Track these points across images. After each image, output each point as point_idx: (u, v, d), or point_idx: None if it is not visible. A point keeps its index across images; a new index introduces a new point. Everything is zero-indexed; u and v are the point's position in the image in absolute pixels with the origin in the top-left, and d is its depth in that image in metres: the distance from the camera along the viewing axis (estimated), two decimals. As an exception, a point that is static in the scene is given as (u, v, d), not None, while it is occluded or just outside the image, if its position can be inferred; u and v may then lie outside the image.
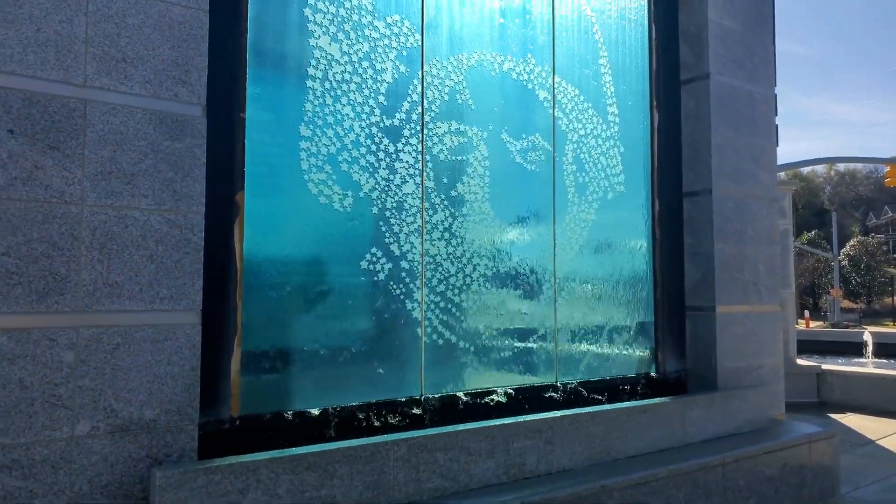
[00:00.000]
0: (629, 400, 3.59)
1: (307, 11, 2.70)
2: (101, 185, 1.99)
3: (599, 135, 3.74)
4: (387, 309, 2.85)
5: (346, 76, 2.79)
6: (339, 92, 2.76)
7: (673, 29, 4.13)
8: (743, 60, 4.21)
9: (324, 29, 2.74)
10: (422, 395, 2.91)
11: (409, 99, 2.98)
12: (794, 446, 3.60)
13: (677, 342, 3.98)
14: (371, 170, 2.84)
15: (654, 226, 3.97)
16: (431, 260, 3.00)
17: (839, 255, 35.14)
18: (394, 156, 2.91)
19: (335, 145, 2.74)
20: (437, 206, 3.04)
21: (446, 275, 3.05)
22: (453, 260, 3.07)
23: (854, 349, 12.66)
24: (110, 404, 1.97)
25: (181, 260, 2.12)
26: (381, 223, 2.85)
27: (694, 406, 3.46)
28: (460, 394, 3.03)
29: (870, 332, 13.60)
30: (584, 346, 3.57)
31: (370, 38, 2.87)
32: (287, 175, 2.61)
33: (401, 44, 2.97)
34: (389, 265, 2.86)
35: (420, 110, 3.01)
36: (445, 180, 3.08)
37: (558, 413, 2.90)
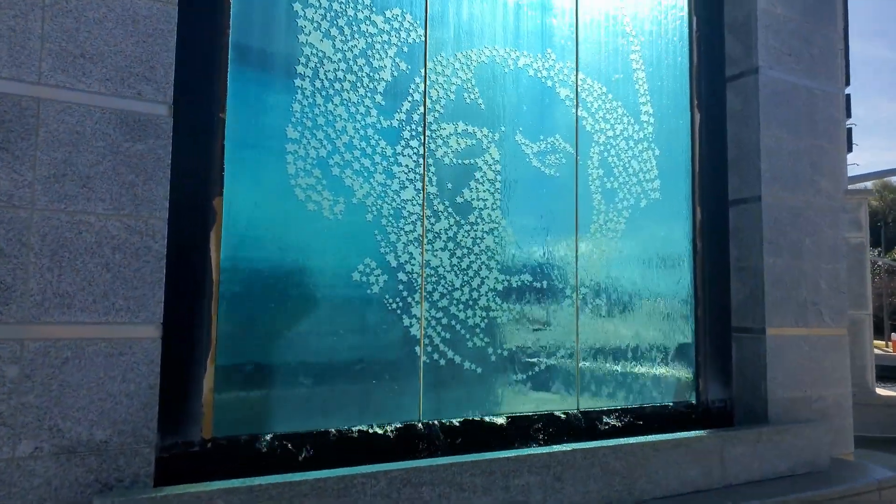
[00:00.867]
0: (665, 431, 3.22)
1: (297, 6, 2.54)
2: (54, 188, 1.88)
3: (631, 136, 3.42)
4: (381, 325, 2.64)
5: (340, 74, 2.61)
6: (331, 91, 2.58)
7: (717, 19, 3.76)
8: (800, 53, 3.79)
9: (315, 24, 2.57)
10: (419, 421, 2.67)
11: (409, 98, 2.77)
12: (860, 493, 3.13)
13: (722, 367, 3.58)
14: (366, 174, 2.64)
15: (695, 237, 3.60)
16: (433, 272, 2.76)
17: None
18: (391, 159, 2.71)
19: (326, 148, 2.57)
20: (440, 213, 2.81)
21: (450, 288, 2.81)
22: (458, 272, 2.83)
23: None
24: (56, 423, 1.84)
25: (140, 269, 1.97)
26: (376, 231, 2.65)
27: (737, 441, 3.06)
28: (464, 420, 2.77)
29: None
30: (611, 370, 3.24)
31: (367, 34, 2.69)
32: (272, 179, 2.45)
33: (401, 39, 2.77)
34: (385, 277, 2.65)
35: (422, 110, 2.79)
36: (450, 185, 2.85)
37: (569, 446, 2.60)
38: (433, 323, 2.75)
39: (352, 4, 2.66)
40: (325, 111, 2.57)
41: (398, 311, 2.67)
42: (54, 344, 1.85)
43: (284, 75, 2.50)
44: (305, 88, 2.53)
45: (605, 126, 3.33)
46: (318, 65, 2.57)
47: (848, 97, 7.12)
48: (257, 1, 2.46)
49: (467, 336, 2.84)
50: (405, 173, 2.73)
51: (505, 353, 2.94)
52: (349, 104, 2.62)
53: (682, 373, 3.48)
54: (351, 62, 2.64)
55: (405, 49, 2.78)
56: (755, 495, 2.85)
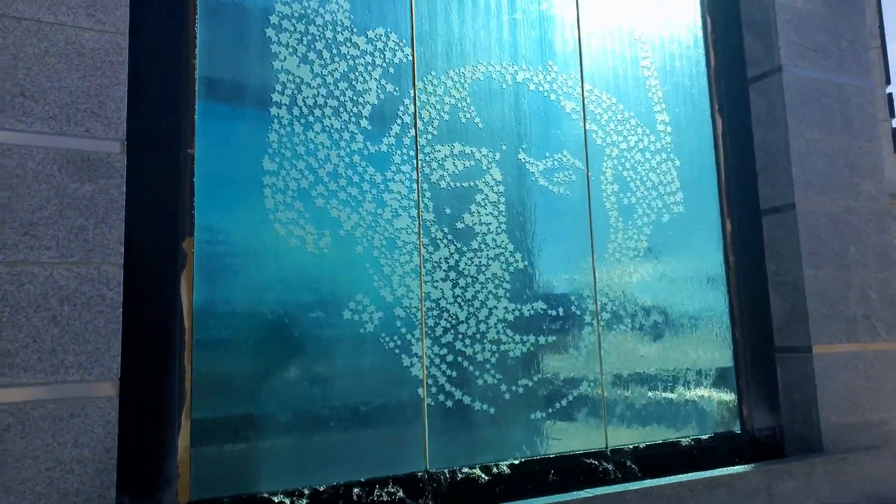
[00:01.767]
0: (709, 467, 2.87)
1: (269, 32, 2.39)
2: (-5, 237, 1.72)
3: (647, 147, 3.16)
4: (378, 366, 2.40)
5: (320, 100, 2.44)
6: (310, 118, 2.41)
7: (733, 18, 3.50)
8: (827, 47, 3.49)
9: (290, 49, 2.41)
10: (425, 471, 2.40)
11: (399, 121, 2.58)
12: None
13: (767, 392, 3.22)
14: (353, 204, 2.44)
15: (727, 251, 3.29)
16: (434, 305, 2.52)
17: None
18: (382, 186, 2.50)
19: (308, 179, 2.38)
20: (438, 241, 2.58)
21: (454, 322, 2.56)
22: (462, 303, 2.58)
23: None
24: None
25: (93, 320, 1.79)
26: (367, 264, 2.43)
27: (786, 476, 2.70)
28: (477, 469, 2.49)
29: None
30: (641, 402, 2.92)
31: (348, 57, 2.51)
32: (248, 215, 2.26)
33: (387, 60, 2.59)
34: (379, 313, 2.42)
35: (413, 133, 2.59)
36: (448, 211, 2.62)
37: (590, 493, 2.29)
38: (437, 361, 2.50)
39: (330, 27, 2.50)
40: (306, 139, 2.39)
41: (396, 351, 2.43)
42: (-3, 410, 1.66)
43: (258, 105, 2.33)
44: (282, 117, 2.36)
45: (617, 138, 3.08)
46: (296, 91, 2.40)
47: (891, 96, 6.69)
48: (226, 29, 2.32)
49: (476, 373, 2.58)
50: (398, 200, 2.52)
51: (520, 391, 2.66)
52: (332, 131, 2.44)
53: (723, 400, 3.13)
54: (332, 86, 2.46)
55: (391, 70, 2.59)
56: (817, 544, 2.48)
